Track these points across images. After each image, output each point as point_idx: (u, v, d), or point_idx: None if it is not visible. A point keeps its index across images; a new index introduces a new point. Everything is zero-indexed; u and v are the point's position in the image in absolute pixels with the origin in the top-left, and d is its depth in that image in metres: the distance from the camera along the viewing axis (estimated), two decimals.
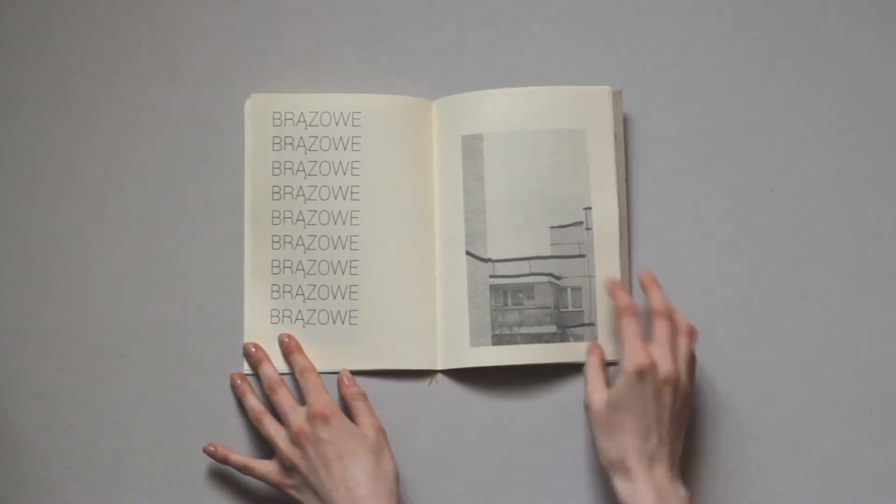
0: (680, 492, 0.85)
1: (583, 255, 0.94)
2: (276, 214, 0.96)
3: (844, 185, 0.97)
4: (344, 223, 0.96)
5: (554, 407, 0.95)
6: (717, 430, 0.94)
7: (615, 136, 0.95)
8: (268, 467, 0.91)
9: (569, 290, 0.94)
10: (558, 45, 0.99)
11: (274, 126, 0.97)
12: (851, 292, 0.96)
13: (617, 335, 0.90)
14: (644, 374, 0.85)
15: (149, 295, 0.96)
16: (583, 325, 0.94)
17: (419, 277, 0.96)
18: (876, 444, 0.94)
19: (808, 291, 0.96)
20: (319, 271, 0.96)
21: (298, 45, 0.99)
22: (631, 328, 0.88)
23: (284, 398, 0.91)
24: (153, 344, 0.96)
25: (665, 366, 0.86)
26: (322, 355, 0.95)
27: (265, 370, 0.94)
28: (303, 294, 0.96)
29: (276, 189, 0.96)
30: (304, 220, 0.96)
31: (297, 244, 0.96)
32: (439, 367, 0.96)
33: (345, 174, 0.96)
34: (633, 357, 0.86)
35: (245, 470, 0.92)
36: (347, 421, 0.90)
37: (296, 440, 0.89)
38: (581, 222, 0.94)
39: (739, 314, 0.96)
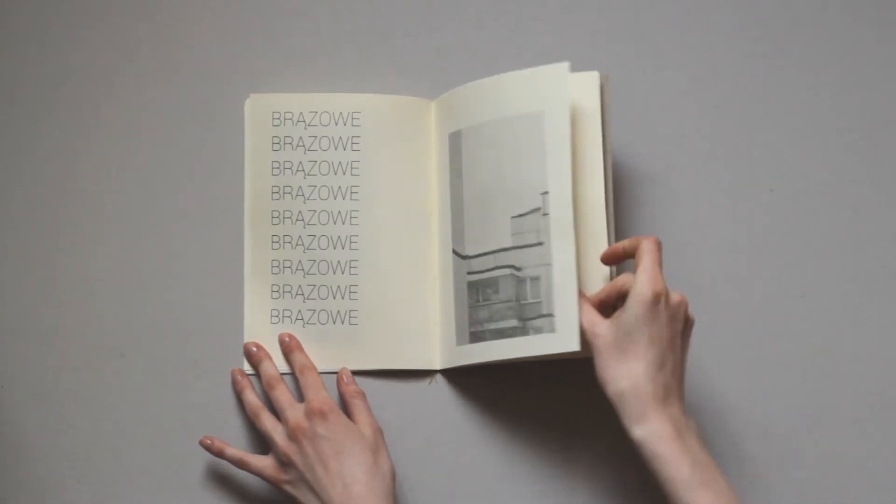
0: (692, 424, 0.83)
1: (541, 243, 0.89)
2: (275, 214, 0.96)
3: (844, 185, 0.97)
4: (343, 223, 0.96)
5: (553, 406, 0.95)
6: (717, 430, 0.94)
7: (598, 118, 0.91)
8: (263, 462, 0.91)
9: (528, 281, 0.90)
10: (558, 45, 0.99)
11: (273, 126, 0.97)
12: (851, 292, 0.96)
13: (637, 258, 0.85)
14: (659, 298, 0.82)
15: (149, 295, 0.97)
16: (541, 316, 0.89)
17: (418, 277, 0.96)
18: (876, 444, 0.94)
19: (808, 291, 0.96)
20: (319, 271, 0.96)
21: (298, 44, 0.99)
22: (654, 254, 0.84)
23: (283, 395, 0.92)
24: (153, 344, 0.96)
25: (675, 294, 0.84)
26: (322, 355, 0.95)
27: (265, 368, 0.94)
28: (302, 294, 0.96)
29: (276, 189, 0.96)
30: (303, 220, 0.96)
31: (297, 244, 0.96)
32: (438, 367, 0.96)
33: (344, 174, 0.96)
34: (651, 281, 0.82)
35: (240, 464, 0.92)
36: (345, 418, 0.90)
37: (293, 436, 0.89)
38: (538, 208, 0.90)
39: (739, 314, 0.96)
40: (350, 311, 0.95)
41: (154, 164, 0.98)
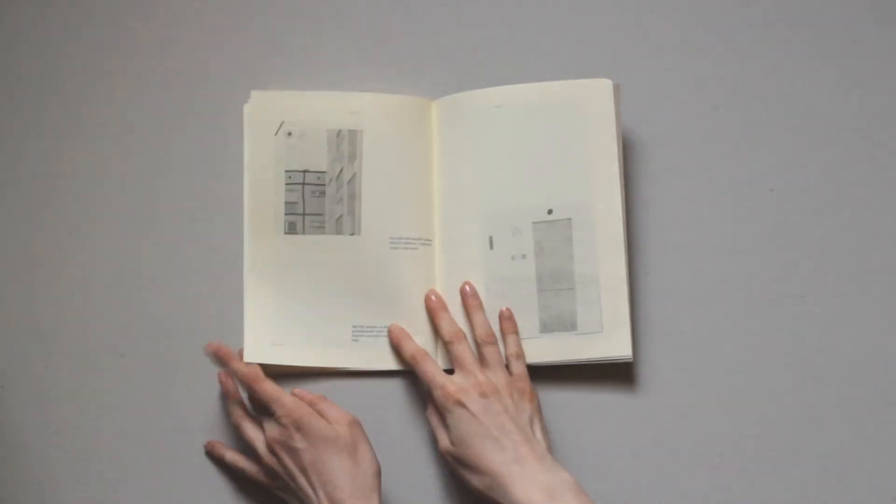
0: (563, 476, 0.85)
1: (568, 252, 0.95)
2: (276, 214, 0.96)
3: (844, 185, 0.97)
4: (344, 222, 0.96)
5: (553, 405, 0.95)
6: (717, 430, 0.94)
7: (615, 131, 0.95)
8: (255, 468, 0.92)
9: (555, 288, 0.95)
10: (558, 45, 0.99)
11: (274, 125, 0.97)
12: (851, 292, 0.96)
13: (420, 376, 0.92)
14: (459, 400, 0.88)
15: (149, 295, 0.96)
16: (576, 322, 0.94)
17: (419, 277, 0.96)
18: (876, 444, 0.94)
19: (808, 291, 0.96)
20: (319, 271, 0.96)
21: (298, 44, 0.99)
22: (429, 364, 0.91)
23: (263, 395, 0.90)
24: (153, 344, 0.96)
25: (474, 381, 0.89)
26: (321, 353, 0.95)
27: (236, 366, 0.92)
28: (303, 294, 0.96)
29: (277, 188, 0.96)
30: (304, 219, 0.96)
31: (298, 243, 0.96)
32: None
33: (345, 173, 0.96)
34: (443, 390, 0.89)
35: (237, 469, 0.93)
36: (320, 422, 0.89)
37: (271, 449, 0.89)
38: (570, 218, 0.95)
39: (739, 314, 0.96)
40: (352, 310, 0.95)
41: (154, 163, 0.98)
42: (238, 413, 0.92)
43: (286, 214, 0.96)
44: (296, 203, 0.96)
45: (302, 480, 0.87)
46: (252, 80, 0.98)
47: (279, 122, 0.97)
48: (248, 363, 0.92)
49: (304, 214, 0.96)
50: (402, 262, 0.96)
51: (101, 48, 0.99)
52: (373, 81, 0.98)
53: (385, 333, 0.96)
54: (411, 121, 0.97)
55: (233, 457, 0.93)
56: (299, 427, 0.88)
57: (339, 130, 0.97)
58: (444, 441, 0.89)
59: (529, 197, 0.95)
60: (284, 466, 0.88)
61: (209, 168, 0.98)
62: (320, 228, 0.96)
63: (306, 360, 0.95)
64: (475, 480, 0.87)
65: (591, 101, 0.94)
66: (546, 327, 0.94)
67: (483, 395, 0.88)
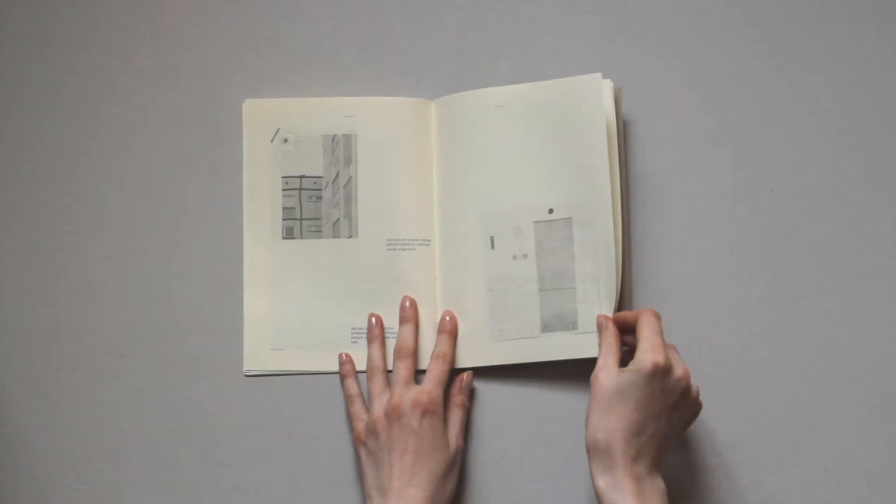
0: (659, 484, 0.84)
1: (567, 251, 0.94)
2: (275, 216, 0.96)
3: (844, 185, 0.97)
4: (341, 226, 0.96)
5: (553, 405, 0.95)
6: (717, 430, 0.94)
7: (617, 133, 0.95)
8: (362, 414, 0.92)
9: (552, 287, 0.95)
10: (557, 45, 0.99)
11: (269, 132, 0.97)
12: (851, 292, 0.96)
13: (637, 330, 0.87)
14: (658, 372, 0.84)
15: (149, 295, 0.97)
16: (566, 319, 0.94)
17: (418, 278, 0.96)
18: (876, 444, 0.94)
19: (808, 291, 0.96)
20: (319, 272, 0.96)
21: (298, 46, 0.99)
22: (654, 326, 0.87)
23: (406, 370, 0.91)
24: (153, 344, 0.96)
25: (679, 370, 0.86)
26: (322, 357, 0.95)
27: (405, 332, 0.93)
28: (302, 295, 0.96)
29: (275, 191, 0.96)
30: (302, 221, 0.96)
31: (297, 246, 0.96)
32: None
33: (341, 177, 0.96)
34: (653, 351, 0.84)
35: (348, 400, 0.93)
36: (441, 424, 0.89)
37: (388, 412, 0.88)
38: (569, 217, 0.94)
39: (739, 314, 0.96)
40: (351, 310, 0.95)
41: (154, 164, 0.98)
42: (377, 363, 0.93)
43: (284, 220, 0.96)
44: (293, 208, 0.96)
45: (395, 458, 0.87)
46: (252, 82, 0.98)
47: (275, 130, 0.97)
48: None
49: (301, 219, 0.96)
50: (400, 263, 0.96)
51: (100, 53, 0.99)
52: (372, 82, 0.98)
53: (384, 335, 0.96)
54: (408, 122, 0.97)
55: (353, 387, 0.93)
56: (425, 414, 0.88)
57: (335, 135, 0.97)
58: (607, 375, 0.86)
59: (530, 196, 0.94)
60: (389, 436, 0.88)
61: (209, 168, 0.98)
62: (318, 233, 0.96)
63: (306, 364, 0.95)
64: (597, 430, 0.83)
65: (584, 98, 0.93)
66: (547, 326, 0.93)
67: (677, 382, 0.85)
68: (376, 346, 0.94)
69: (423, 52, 0.99)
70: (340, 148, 0.97)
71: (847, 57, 0.98)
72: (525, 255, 0.94)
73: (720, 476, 0.94)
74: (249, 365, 0.96)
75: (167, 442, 0.95)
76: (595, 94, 0.93)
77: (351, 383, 0.94)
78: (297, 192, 0.97)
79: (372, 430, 0.89)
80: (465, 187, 0.96)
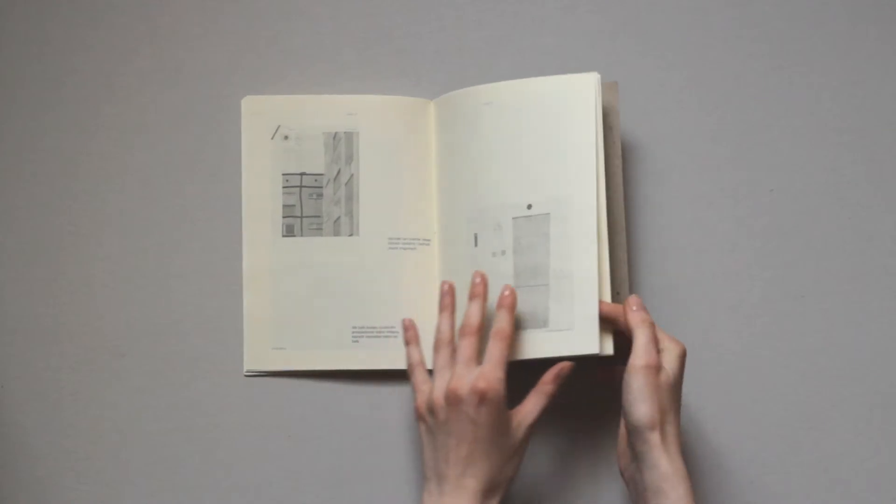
0: None
1: (548, 247, 0.92)
2: (275, 214, 0.96)
3: (844, 185, 0.97)
4: (342, 223, 0.96)
5: (554, 405, 0.95)
6: (717, 430, 0.94)
7: (611, 127, 0.93)
8: (425, 387, 0.88)
9: (538, 284, 0.92)
10: (557, 45, 0.99)
11: (270, 129, 0.97)
12: (851, 292, 0.96)
13: (635, 325, 0.86)
14: (685, 359, 0.86)
15: (149, 295, 0.97)
16: (555, 318, 0.91)
17: (419, 277, 0.96)
18: (876, 444, 0.94)
19: (808, 291, 0.96)
20: (319, 271, 0.96)
21: (298, 45, 0.99)
22: (417, 373, 0.90)
23: (469, 348, 0.88)
24: (153, 344, 0.96)
25: (672, 341, 0.87)
26: (322, 356, 0.95)
27: (473, 308, 0.90)
28: (303, 293, 0.96)
29: (275, 190, 0.96)
30: (302, 220, 0.96)
31: (297, 244, 0.96)
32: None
33: (342, 175, 0.96)
34: (673, 340, 0.86)
35: (410, 370, 0.90)
36: (503, 410, 0.85)
37: (447, 396, 0.85)
38: (547, 213, 0.92)
39: (739, 314, 0.96)
40: (351, 310, 0.95)
41: (153, 164, 0.98)
42: (447, 336, 0.89)
43: (284, 217, 0.96)
44: (293, 206, 0.96)
45: (452, 443, 0.84)
46: (251, 81, 0.98)
47: (275, 127, 0.97)
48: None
49: (301, 217, 0.96)
50: (401, 262, 0.96)
51: (100, 53, 0.99)
52: (372, 82, 0.98)
53: (385, 334, 0.95)
54: (409, 121, 0.97)
55: (414, 354, 0.91)
56: (484, 401, 0.84)
57: (336, 133, 0.97)
58: (661, 367, 0.85)
59: (511, 192, 0.92)
60: (447, 421, 0.85)
61: (209, 168, 0.98)
62: (318, 230, 0.96)
63: (307, 363, 0.95)
64: (653, 414, 0.83)
65: (574, 96, 0.91)
66: (520, 324, 0.91)
67: (436, 408, 0.86)
68: (446, 317, 0.91)
69: (423, 52, 0.99)
70: (342, 146, 0.97)
71: (847, 57, 0.98)
72: (503, 252, 0.93)
73: (720, 476, 0.94)
74: (250, 364, 0.96)
75: (167, 442, 0.95)
76: (585, 91, 0.91)
77: (413, 350, 0.91)
78: (297, 189, 0.97)
79: (431, 409, 0.86)
80: (458, 186, 0.95)
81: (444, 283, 0.93)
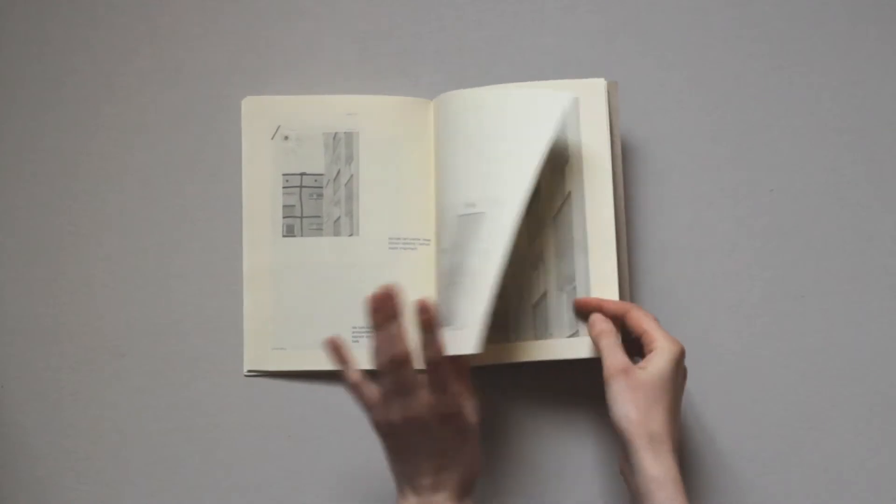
0: None
1: (558, 251, 0.93)
2: (275, 215, 0.96)
3: (844, 185, 0.97)
4: (342, 224, 0.96)
5: (553, 405, 0.95)
6: (717, 430, 0.94)
7: (606, 125, 0.93)
8: (374, 400, 0.85)
9: (543, 290, 0.94)
10: (557, 45, 0.99)
11: (270, 129, 0.97)
12: (851, 292, 0.96)
13: (636, 325, 0.87)
14: (682, 358, 0.85)
15: (149, 295, 0.97)
16: (560, 322, 0.92)
17: (419, 277, 0.96)
18: (876, 444, 0.94)
19: (808, 291, 0.96)
20: (319, 271, 0.96)
21: (298, 44, 0.99)
22: (650, 317, 0.87)
23: (412, 375, 0.84)
24: (153, 344, 0.96)
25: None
26: (322, 355, 0.95)
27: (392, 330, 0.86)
28: (303, 293, 0.96)
29: (275, 190, 0.96)
30: (302, 220, 0.96)
31: (297, 245, 0.96)
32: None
33: (342, 175, 0.97)
34: (671, 340, 0.85)
35: (356, 388, 0.86)
36: (462, 418, 0.85)
37: (409, 417, 0.83)
38: (555, 217, 0.93)
39: (739, 314, 0.96)
40: (351, 310, 0.95)
41: (153, 164, 0.98)
42: (406, 351, 0.84)
43: (284, 217, 0.96)
44: (293, 206, 0.96)
45: (422, 458, 0.84)
46: (251, 81, 0.98)
47: (275, 127, 0.97)
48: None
49: (301, 217, 0.96)
50: (401, 262, 0.96)
51: (100, 51, 0.99)
52: (372, 82, 0.98)
53: None
54: (409, 121, 0.97)
55: (356, 376, 0.86)
56: (445, 422, 0.84)
57: (336, 133, 0.97)
58: (636, 368, 0.86)
59: (462, 190, 0.92)
60: (410, 440, 0.84)
61: (209, 168, 0.98)
62: (318, 230, 0.96)
63: (307, 363, 0.95)
64: (650, 421, 0.83)
65: (541, 111, 0.91)
66: (443, 322, 0.90)
67: (684, 370, 0.87)
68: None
69: (423, 52, 0.99)
70: (342, 146, 0.97)
71: (847, 57, 0.98)
72: (445, 250, 0.93)
73: (720, 476, 0.94)
74: (250, 364, 0.96)
75: (167, 442, 0.95)
76: (551, 108, 0.90)
77: (349, 371, 0.88)
78: (297, 189, 0.97)
79: (393, 431, 0.85)
80: (443, 185, 0.95)
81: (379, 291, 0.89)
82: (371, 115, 0.97)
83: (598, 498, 0.93)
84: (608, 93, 0.93)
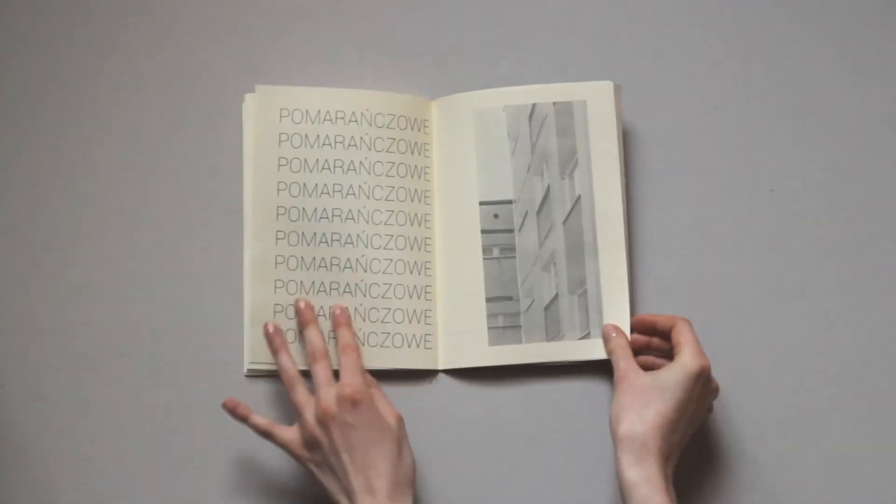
0: (673, 491, 0.85)
1: (570, 251, 0.95)
2: (280, 210, 0.96)
3: (844, 185, 0.97)
4: (346, 219, 0.96)
5: (555, 405, 0.95)
6: (717, 430, 0.94)
7: (613, 127, 0.95)
8: (289, 435, 0.89)
9: (556, 292, 0.96)
10: (558, 45, 0.99)
11: (280, 120, 0.97)
12: (851, 292, 0.96)
13: (676, 334, 0.89)
14: (702, 376, 0.86)
15: (149, 295, 0.96)
16: (572, 321, 0.95)
17: (420, 276, 0.96)
18: (876, 444, 0.94)
19: (808, 291, 0.96)
20: (322, 267, 0.96)
21: (298, 44, 0.99)
22: (693, 333, 0.89)
23: (323, 371, 0.89)
24: (153, 344, 0.96)
25: (715, 381, 0.89)
26: None
27: (312, 335, 0.92)
28: (305, 290, 0.96)
29: (281, 185, 0.96)
30: (306, 215, 0.96)
31: (300, 240, 0.96)
32: (441, 367, 0.96)
33: (347, 171, 0.96)
34: (699, 357, 0.87)
35: (266, 434, 0.90)
36: (376, 408, 0.87)
37: (322, 420, 0.86)
38: (567, 216, 0.95)
39: (739, 314, 0.96)
40: (354, 308, 0.95)
41: (154, 162, 0.98)
42: (295, 374, 0.90)
43: (290, 209, 0.96)
44: (299, 199, 0.96)
45: (346, 458, 0.85)
46: (252, 79, 0.98)
47: (285, 116, 0.97)
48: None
49: (307, 210, 0.96)
50: (402, 262, 0.96)
51: (100, 47, 0.99)
52: (372, 82, 0.98)
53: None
54: (409, 120, 0.97)
55: (260, 420, 0.90)
56: (357, 405, 0.86)
57: (343, 128, 0.96)
58: (638, 373, 0.88)
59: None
60: (332, 441, 0.86)
61: (209, 167, 0.98)
62: (323, 224, 0.96)
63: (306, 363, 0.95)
64: (634, 423, 0.85)
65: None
66: None
67: (713, 390, 0.89)
68: (314, 328, 0.92)
69: (423, 52, 0.99)
70: (347, 142, 0.96)
71: (847, 57, 0.98)
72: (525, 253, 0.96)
73: (720, 476, 0.94)
74: (250, 364, 0.95)
75: (167, 442, 0.95)
76: (606, 99, 0.94)
77: (285, 360, 0.92)
78: (303, 184, 0.96)
79: (311, 444, 0.88)
80: (455, 186, 0.96)
81: (299, 300, 0.94)
82: (377, 110, 0.97)
83: (615, 502, 0.93)
84: (614, 92, 0.95)
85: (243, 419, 0.90)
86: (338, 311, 0.93)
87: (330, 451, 0.86)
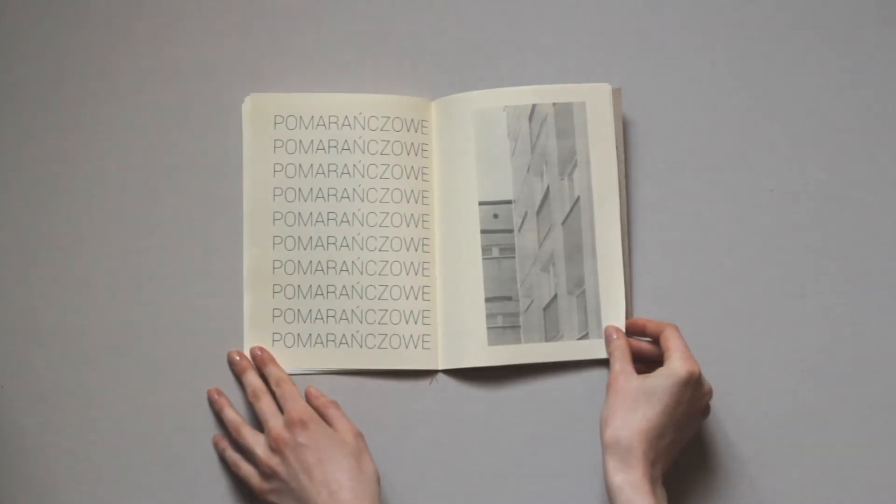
0: (663, 492, 0.85)
1: (570, 252, 0.95)
2: (277, 215, 0.96)
3: (844, 185, 0.97)
4: (344, 223, 0.96)
5: (554, 405, 0.95)
6: (717, 430, 0.94)
7: (615, 136, 0.95)
8: (248, 470, 0.91)
9: (555, 291, 0.96)
10: (558, 45, 0.99)
11: (273, 127, 0.97)
12: (851, 292, 0.96)
13: (665, 339, 0.90)
14: (691, 381, 0.86)
15: (148, 295, 0.96)
16: (569, 321, 0.95)
17: (419, 277, 0.96)
18: (876, 444, 0.94)
19: (808, 291, 0.96)
20: (320, 271, 0.96)
21: (298, 44, 0.99)
22: (682, 338, 0.90)
23: (267, 406, 0.92)
24: (153, 344, 0.96)
25: (707, 385, 0.89)
26: (322, 355, 0.95)
27: (250, 378, 0.94)
28: (303, 293, 0.96)
29: (277, 189, 0.96)
30: (304, 219, 0.96)
31: (298, 244, 0.96)
32: (440, 367, 0.96)
33: (344, 175, 0.96)
34: (688, 361, 0.87)
35: (232, 467, 0.92)
36: (325, 426, 0.90)
37: (275, 447, 0.89)
38: (566, 217, 0.95)
39: (739, 314, 0.96)
40: (352, 310, 0.95)
41: (153, 163, 0.98)
42: (237, 420, 0.93)
43: (287, 214, 0.96)
44: (297, 203, 0.96)
45: (304, 479, 0.87)
46: (252, 80, 0.98)
47: (280, 122, 0.97)
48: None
49: (304, 214, 0.96)
50: (401, 262, 0.96)
51: (100, 49, 0.99)
52: (372, 81, 0.98)
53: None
54: (409, 121, 0.97)
55: (231, 455, 0.93)
56: (307, 426, 0.88)
57: (339, 132, 0.97)
58: (628, 377, 0.88)
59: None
60: (288, 465, 0.88)
61: (209, 168, 0.98)
62: (321, 228, 0.96)
63: (307, 362, 0.95)
64: (620, 428, 0.85)
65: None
66: None
67: (705, 394, 0.90)
68: (252, 373, 0.94)
69: (423, 52, 0.99)
70: (343, 145, 0.97)
71: (847, 57, 0.98)
72: (523, 253, 0.96)
73: (720, 476, 0.94)
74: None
75: (167, 442, 0.95)
76: (605, 102, 0.95)
77: (252, 378, 0.94)
78: (299, 188, 0.96)
79: (269, 474, 0.89)
80: (454, 186, 0.96)
81: (231, 352, 0.95)
82: (373, 114, 0.97)
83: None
84: (613, 94, 0.95)
85: (219, 410, 0.93)
86: (258, 352, 0.95)
87: (289, 476, 0.88)
